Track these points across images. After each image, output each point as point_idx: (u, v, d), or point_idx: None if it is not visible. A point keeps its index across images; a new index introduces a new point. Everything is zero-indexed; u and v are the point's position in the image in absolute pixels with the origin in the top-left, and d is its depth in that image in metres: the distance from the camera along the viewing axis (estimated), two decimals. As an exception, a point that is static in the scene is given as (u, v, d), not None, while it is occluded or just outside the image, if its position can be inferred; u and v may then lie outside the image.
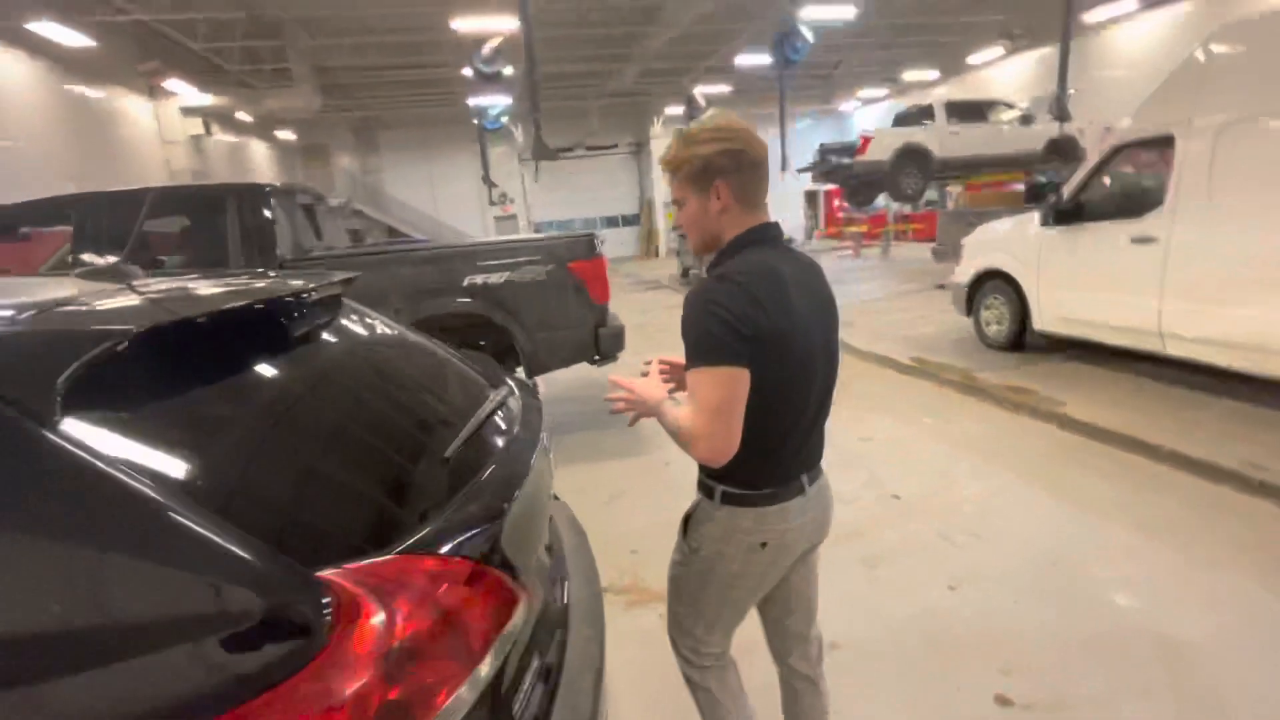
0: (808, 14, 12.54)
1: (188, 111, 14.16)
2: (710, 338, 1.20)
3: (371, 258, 4.38)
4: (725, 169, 1.26)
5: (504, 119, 17.30)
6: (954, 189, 15.22)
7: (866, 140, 11.85)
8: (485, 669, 0.97)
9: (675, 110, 21.18)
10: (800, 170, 13.80)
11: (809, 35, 12.94)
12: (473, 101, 16.46)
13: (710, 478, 1.37)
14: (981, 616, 2.51)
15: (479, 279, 4.18)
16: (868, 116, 23.71)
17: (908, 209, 18.31)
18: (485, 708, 0.95)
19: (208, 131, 14.76)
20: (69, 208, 3.90)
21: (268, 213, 4.08)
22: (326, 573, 0.85)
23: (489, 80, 12.23)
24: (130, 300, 1.20)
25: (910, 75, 19.59)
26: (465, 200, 22.83)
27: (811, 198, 26.20)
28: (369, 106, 19.36)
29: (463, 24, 11.41)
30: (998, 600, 2.59)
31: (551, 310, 4.29)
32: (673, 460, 4.29)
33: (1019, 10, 14.75)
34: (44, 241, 4.31)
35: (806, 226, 26.29)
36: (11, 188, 8.33)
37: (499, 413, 1.45)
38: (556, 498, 2.20)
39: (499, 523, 1.12)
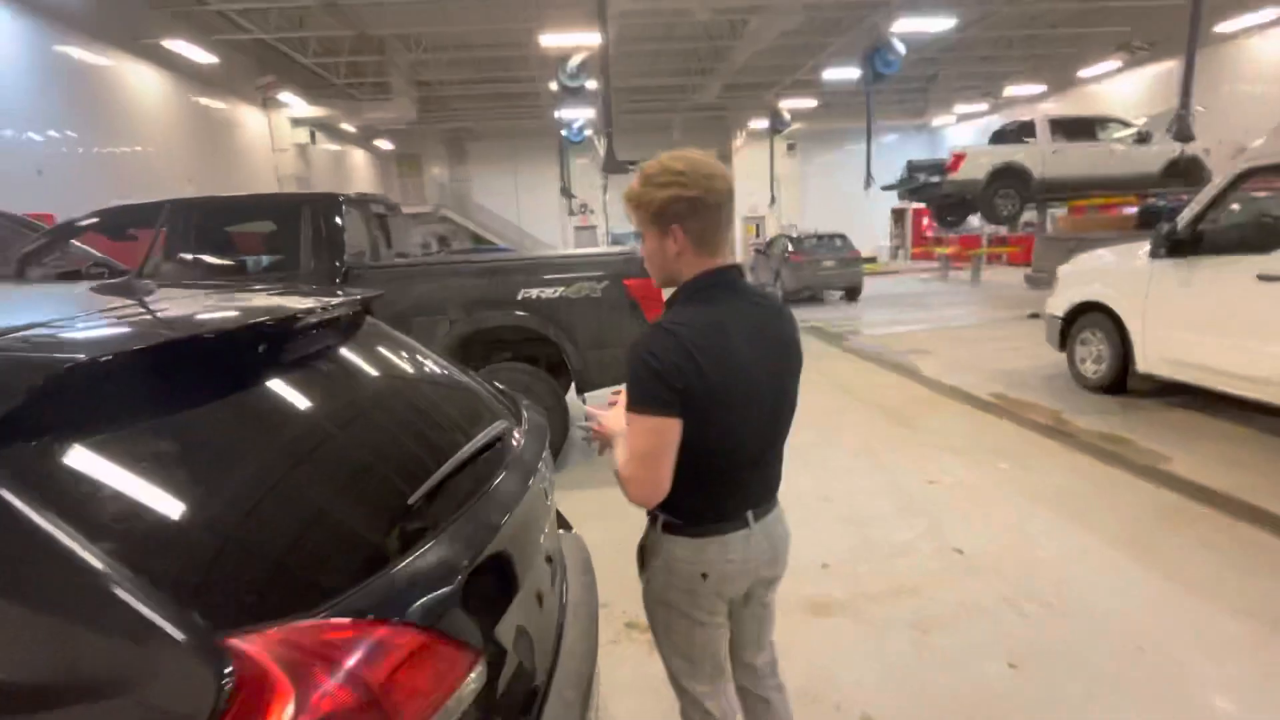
0: (901, 26, 12.07)
1: (296, 122, 15.25)
2: (641, 386, 1.22)
3: (431, 268, 4.47)
4: (681, 214, 1.26)
5: (587, 132, 17.62)
6: (1057, 211, 14.19)
7: (958, 158, 11.21)
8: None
9: (759, 124, 20.91)
10: (884, 188, 13.26)
11: (901, 48, 12.44)
12: (558, 114, 16.83)
13: (658, 508, 1.37)
14: (1045, 704, 2.20)
15: (534, 293, 4.17)
16: (963, 133, 22.58)
17: (1003, 231, 17.24)
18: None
19: (313, 140, 15.81)
20: (163, 211, 4.18)
21: (338, 221, 4.23)
22: (239, 637, 0.78)
23: (573, 94, 12.46)
24: (110, 322, 1.19)
25: (1013, 90, 18.47)
26: (547, 210, 23.37)
27: (899, 216, 25.20)
28: (460, 118, 20.21)
29: (549, 40, 11.69)
30: (1067, 686, 2.27)
31: (604, 327, 4.22)
32: (719, 489, 4.11)
33: (1142, 20, 13.63)
34: (147, 242, 4.67)
35: (892, 246, 25.29)
36: (144, 189, 9.21)
37: (489, 452, 1.37)
38: (569, 529, 2.11)
39: (458, 580, 1.03)
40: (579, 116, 16.73)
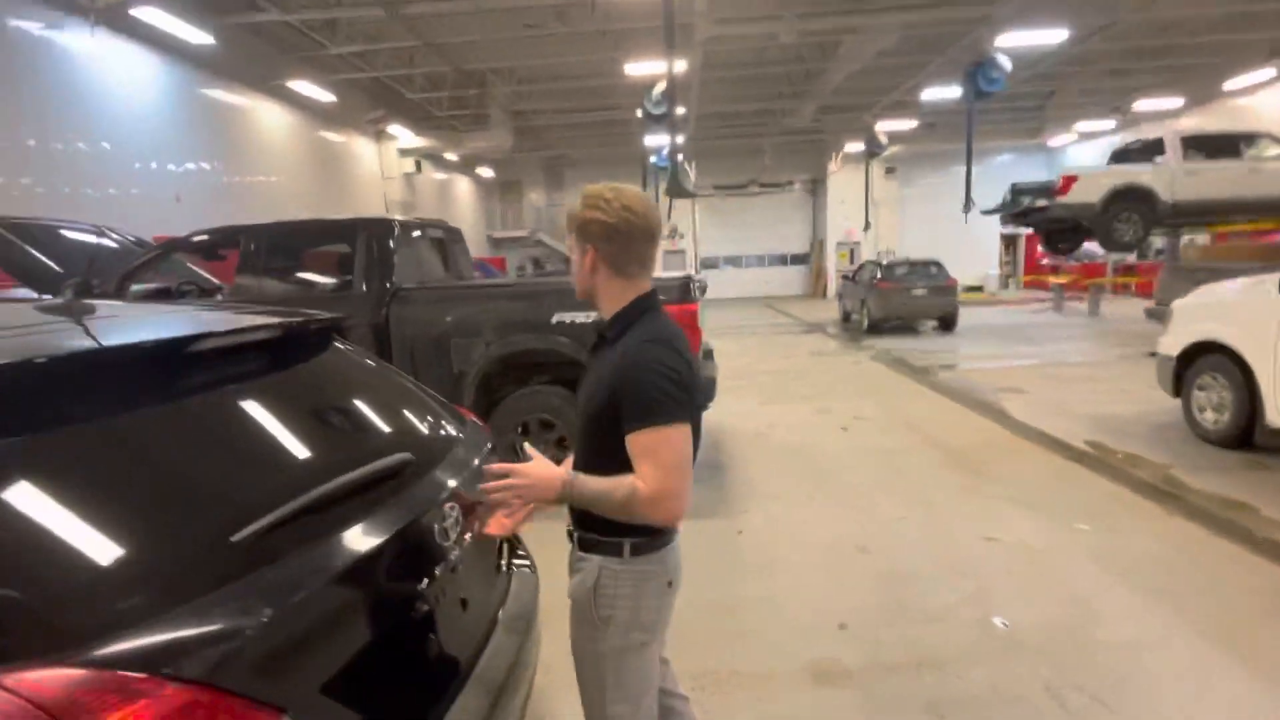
0: (1006, 41, 11.29)
1: (404, 152, 16.40)
2: (665, 396, 1.26)
3: (469, 291, 4.57)
4: (596, 236, 1.35)
5: (679, 156, 17.73)
6: (1196, 236, 12.63)
7: (1069, 180, 10.24)
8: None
9: (855, 147, 20.23)
10: (985, 212, 12.34)
11: (1006, 64, 11.63)
12: (646, 141, 17.08)
13: (610, 535, 1.36)
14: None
15: (567, 317, 4.14)
16: (1085, 152, 20.77)
17: (1130, 258, 15.57)
18: None
19: (418, 169, 16.94)
20: (240, 235, 4.54)
21: (390, 245, 4.41)
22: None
23: (657, 120, 12.59)
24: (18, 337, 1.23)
25: (1145, 104, 16.78)
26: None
27: (1010, 242, 23.47)
28: (555, 146, 20.98)
29: (634, 69, 11.92)
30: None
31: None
32: (747, 529, 3.87)
33: (1302, 23, 11.99)
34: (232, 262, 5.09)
35: (1001, 274, 23.55)
36: (269, 215, 10.24)
37: (376, 489, 1.30)
38: (525, 566, 2.00)
39: (259, 628, 0.95)
40: (666, 143, 16.90)
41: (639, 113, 13.30)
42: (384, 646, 1.21)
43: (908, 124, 18.56)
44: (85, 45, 8.19)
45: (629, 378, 1.28)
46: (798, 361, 10.13)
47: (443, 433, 1.76)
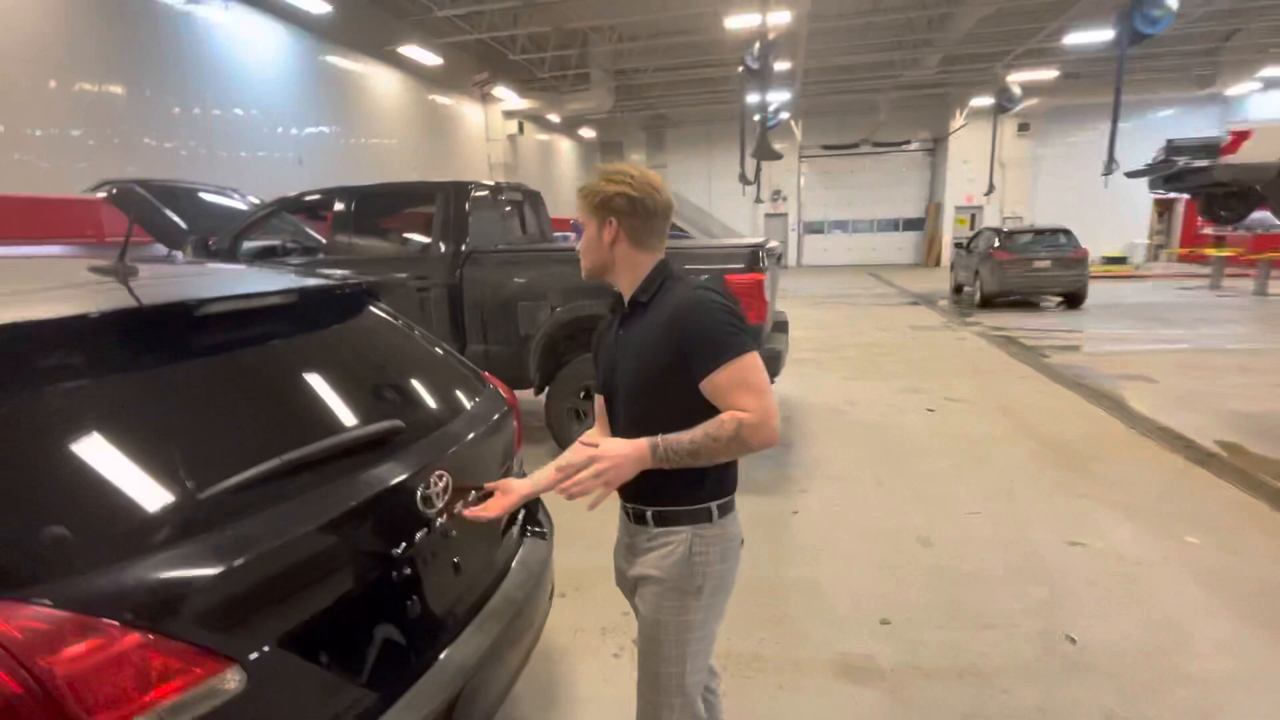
0: (1173, -28, 9.73)
1: (508, 114, 16.74)
2: (735, 327, 1.31)
3: (535, 255, 4.61)
4: (620, 210, 1.39)
5: (784, 115, 16.95)
6: None
7: (1238, 137, 8.79)
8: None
9: (982, 102, 18.43)
10: (1130, 174, 10.88)
11: (1172, 1, 10.04)
12: (748, 99, 16.41)
13: (696, 501, 1.39)
14: None
15: (631, 283, 4.09)
16: (1273, 102, 17.78)
17: (1316, 230, 13.24)
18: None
19: (520, 131, 17.25)
20: (336, 196, 4.81)
21: (466, 208, 4.53)
22: None
23: (758, 76, 12.03)
24: (53, 299, 1.35)
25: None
26: (737, 196, 22.94)
27: (1166, 208, 20.71)
28: (657, 106, 20.59)
29: (735, 22, 11.39)
30: None
31: (697, 323, 4.02)
32: (803, 510, 3.73)
33: None
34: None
35: (1151, 245, 20.89)
36: (383, 176, 10.85)
37: (364, 454, 1.34)
38: (538, 533, 2.02)
39: (213, 581, 1.01)
40: (771, 100, 16.14)
41: (740, 69, 12.76)
42: (350, 606, 1.26)
43: (1046, 74, 16.66)
44: (220, 18, 8.91)
45: (692, 323, 1.31)
46: (894, 335, 9.53)
47: (447, 402, 1.78)
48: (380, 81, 12.60)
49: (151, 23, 8.08)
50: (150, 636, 0.95)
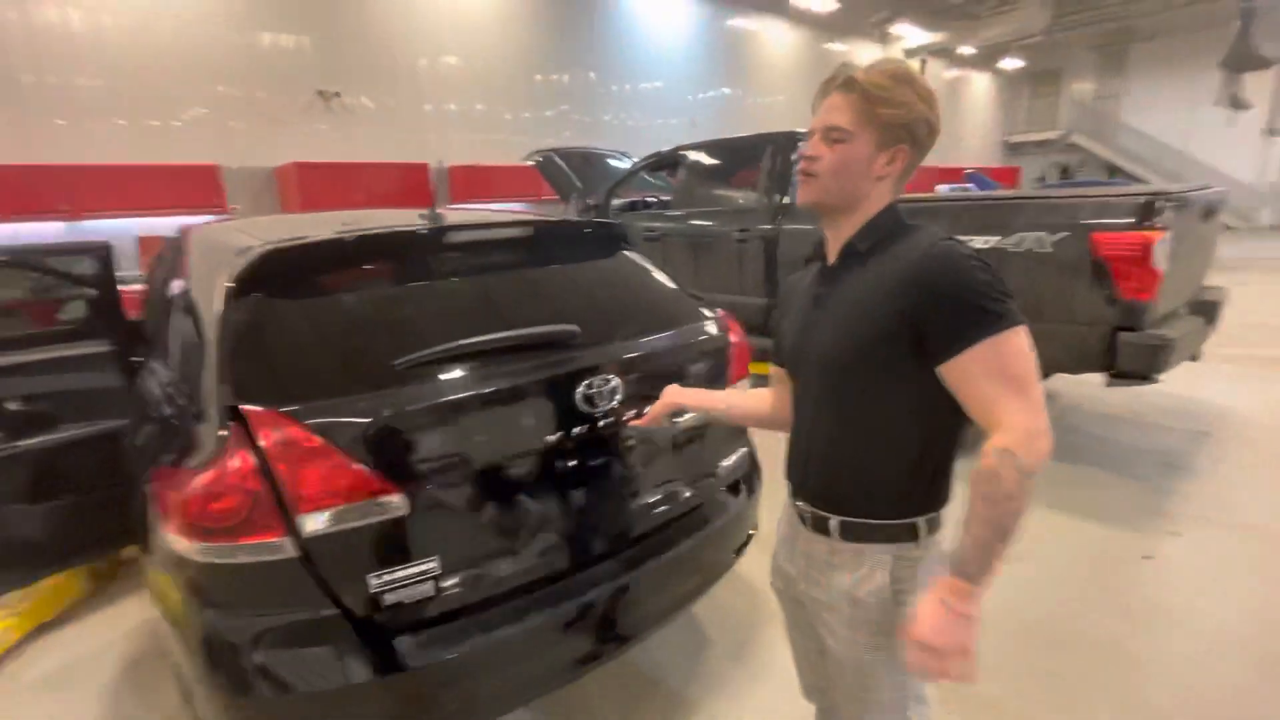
0: None
1: (909, 53, 15.30)
2: (998, 291, 0.95)
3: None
4: (918, 139, 1.07)
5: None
6: None
7: None
8: (313, 525, 1.30)
9: None
10: None
11: None
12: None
13: (900, 515, 1.08)
14: None
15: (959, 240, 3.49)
16: None
17: None
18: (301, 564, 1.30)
19: (922, 68, 15.58)
20: (681, 152, 5.26)
21: (791, 159, 4.45)
22: (252, 406, 1.33)
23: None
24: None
25: None
26: (1231, 127, 16.56)
27: None
28: (1117, 16, 16.01)
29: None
30: None
31: (1043, 293, 3.21)
32: (1160, 556, 2.76)
33: None
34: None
35: None
36: (770, 128, 11.43)
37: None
38: (745, 494, 2.01)
39: (374, 425, 1.35)
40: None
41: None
42: (504, 481, 1.50)
43: None
44: (638, 4, 10.32)
45: (939, 281, 0.96)
46: None
47: (646, 325, 1.86)
48: (772, 37, 12.88)
49: (595, 16, 9.87)
50: (343, 456, 1.32)
